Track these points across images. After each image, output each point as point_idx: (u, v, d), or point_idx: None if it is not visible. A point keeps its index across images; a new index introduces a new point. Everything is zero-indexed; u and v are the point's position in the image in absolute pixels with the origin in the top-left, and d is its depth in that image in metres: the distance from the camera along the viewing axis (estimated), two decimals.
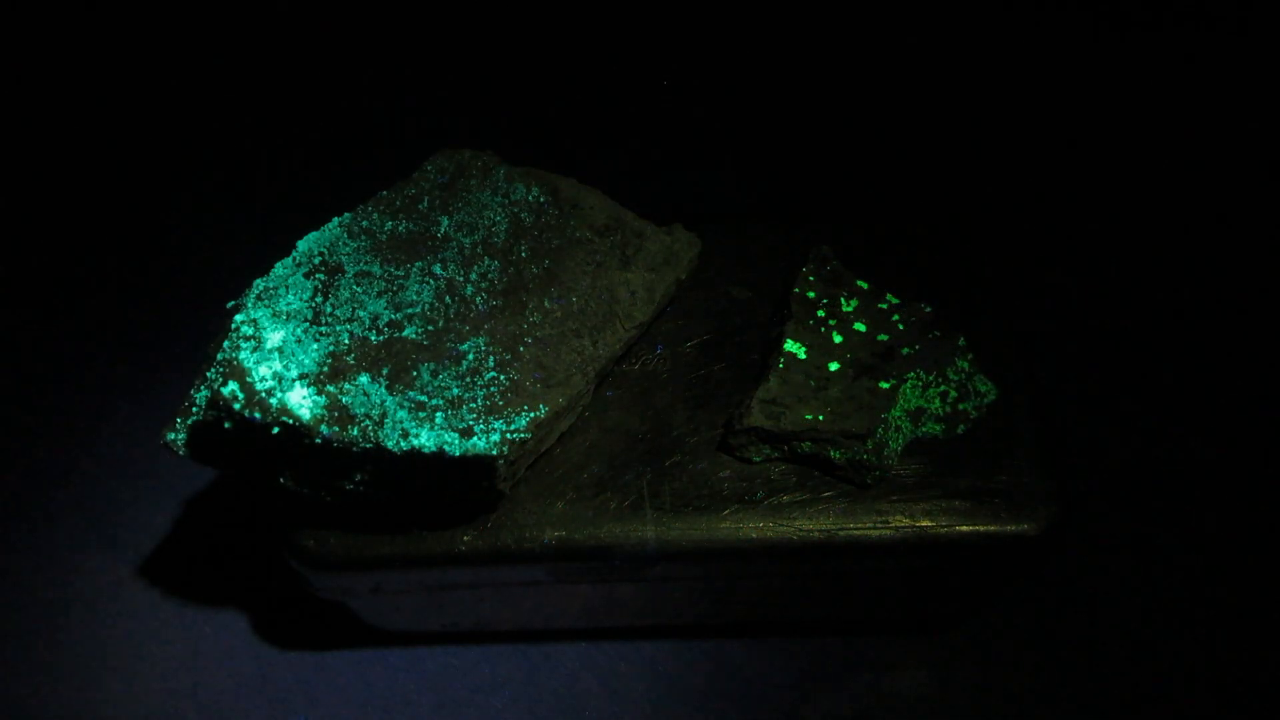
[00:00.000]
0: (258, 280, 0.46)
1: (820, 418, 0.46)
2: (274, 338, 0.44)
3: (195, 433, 0.45)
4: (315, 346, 0.44)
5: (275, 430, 0.42)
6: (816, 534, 0.45)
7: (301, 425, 0.41)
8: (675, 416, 0.49)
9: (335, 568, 0.46)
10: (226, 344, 0.44)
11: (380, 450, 0.42)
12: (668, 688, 0.54)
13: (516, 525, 0.46)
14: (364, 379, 0.43)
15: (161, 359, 0.67)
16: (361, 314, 0.45)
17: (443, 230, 0.48)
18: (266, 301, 0.45)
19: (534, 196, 0.50)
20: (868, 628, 0.56)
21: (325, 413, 0.42)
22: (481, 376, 0.44)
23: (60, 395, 0.66)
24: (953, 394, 0.48)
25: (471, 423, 0.42)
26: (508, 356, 0.45)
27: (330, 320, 0.45)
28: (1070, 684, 0.54)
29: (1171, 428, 0.64)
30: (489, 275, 0.47)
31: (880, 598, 0.53)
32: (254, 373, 0.42)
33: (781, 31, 0.87)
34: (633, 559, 0.46)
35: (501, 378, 0.44)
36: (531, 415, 0.43)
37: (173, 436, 0.45)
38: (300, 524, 0.46)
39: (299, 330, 0.44)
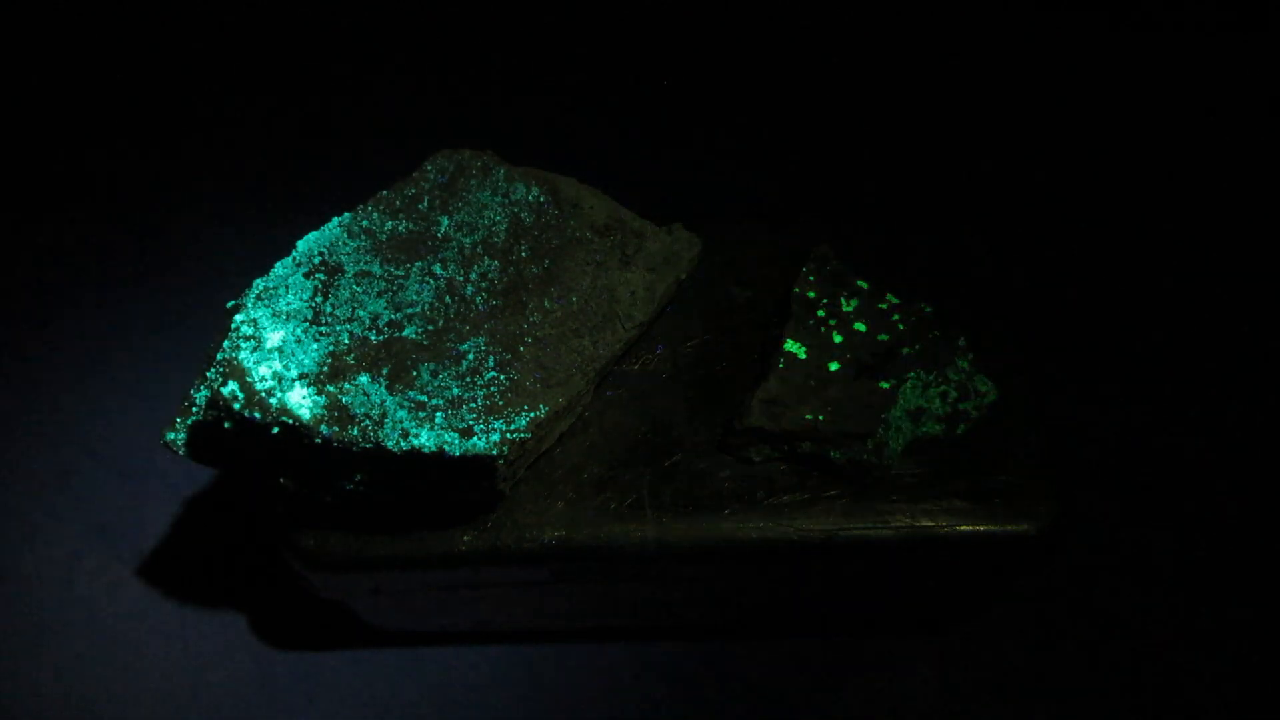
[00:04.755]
0: (258, 280, 0.46)
1: (820, 418, 0.46)
2: (274, 338, 0.44)
3: (195, 433, 0.45)
4: (315, 346, 0.44)
5: (275, 430, 0.42)
6: (816, 534, 0.45)
7: (301, 425, 0.41)
8: (675, 416, 0.49)
9: (335, 568, 0.46)
10: (226, 344, 0.44)
11: (380, 450, 0.42)
12: (668, 688, 0.54)
13: (516, 525, 0.45)
14: (364, 379, 0.43)
15: (161, 359, 0.67)
16: (361, 314, 0.45)
17: (443, 230, 0.48)
18: (266, 301, 0.45)
19: (534, 196, 0.50)
20: (868, 628, 0.56)
21: (325, 413, 0.42)
22: (481, 376, 0.44)
23: (60, 395, 0.66)
24: (953, 394, 0.48)
25: (471, 423, 0.42)
26: (508, 356, 0.45)
27: (330, 320, 0.45)
28: (1070, 684, 0.54)
29: (1171, 428, 0.64)
30: (489, 275, 0.47)
31: (880, 598, 0.53)
32: (254, 373, 0.42)
33: (781, 31, 0.87)
34: (633, 559, 0.46)
35: (501, 378, 0.44)
36: (531, 415, 0.43)
37: (173, 436, 0.45)
38: (300, 524, 0.46)
39: (299, 330, 0.44)
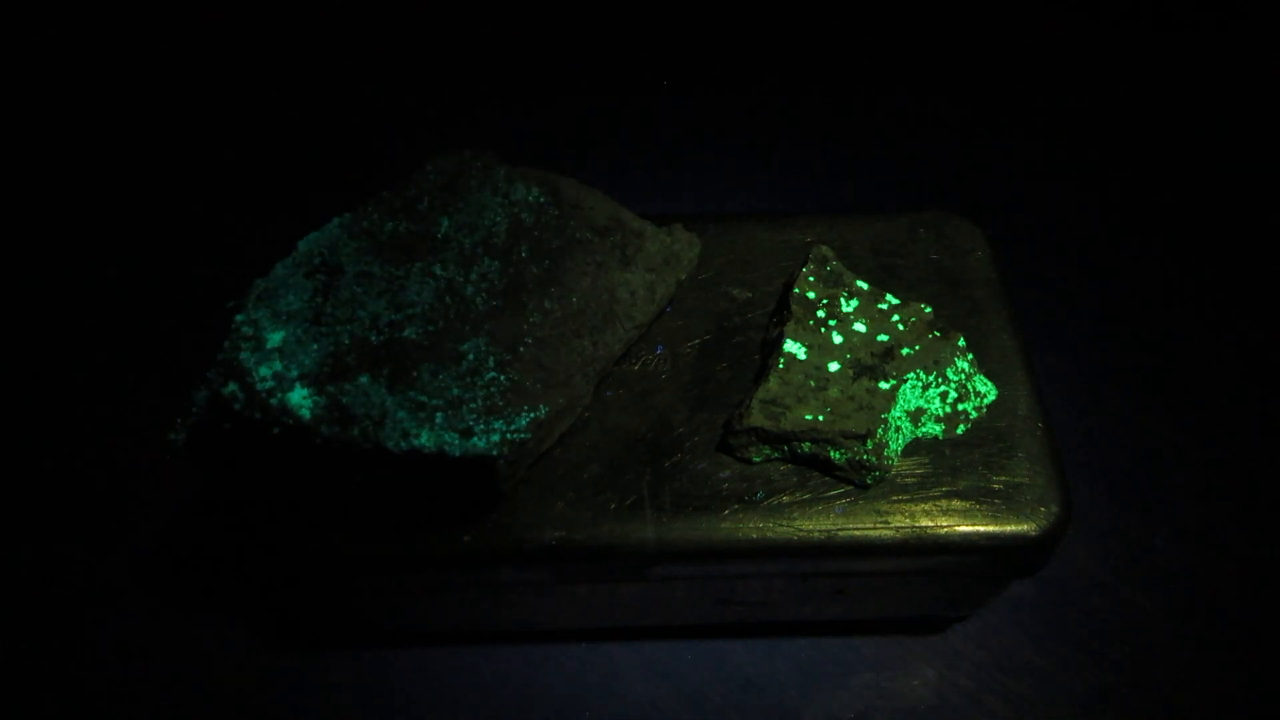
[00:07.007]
0: (258, 280, 0.46)
1: (820, 418, 0.46)
2: (274, 338, 0.44)
3: (195, 433, 0.45)
4: (315, 347, 0.44)
5: (275, 431, 0.42)
6: (816, 534, 0.45)
7: (302, 426, 0.41)
8: (675, 416, 0.49)
9: (335, 568, 0.46)
10: (226, 344, 0.44)
11: (380, 450, 0.42)
12: (668, 688, 0.54)
13: (516, 525, 0.45)
14: (364, 379, 0.43)
15: (161, 359, 0.67)
16: (362, 314, 0.45)
17: (443, 230, 0.48)
18: (267, 301, 0.45)
19: (534, 197, 0.50)
20: (868, 628, 0.56)
21: (325, 413, 0.42)
22: (481, 377, 0.44)
23: (61, 395, 0.66)
24: (953, 394, 0.48)
25: (471, 423, 0.42)
26: (508, 357, 0.45)
27: (330, 320, 0.45)
28: (1070, 684, 0.54)
29: (1171, 428, 0.64)
30: (489, 275, 0.47)
31: (881, 598, 0.53)
32: (254, 373, 0.42)
33: (781, 31, 0.87)
34: (633, 559, 0.46)
35: (501, 378, 0.44)
36: (531, 415, 0.43)
37: (173, 436, 0.45)
38: (301, 524, 0.46)
39: (299, 330, 0.44)
